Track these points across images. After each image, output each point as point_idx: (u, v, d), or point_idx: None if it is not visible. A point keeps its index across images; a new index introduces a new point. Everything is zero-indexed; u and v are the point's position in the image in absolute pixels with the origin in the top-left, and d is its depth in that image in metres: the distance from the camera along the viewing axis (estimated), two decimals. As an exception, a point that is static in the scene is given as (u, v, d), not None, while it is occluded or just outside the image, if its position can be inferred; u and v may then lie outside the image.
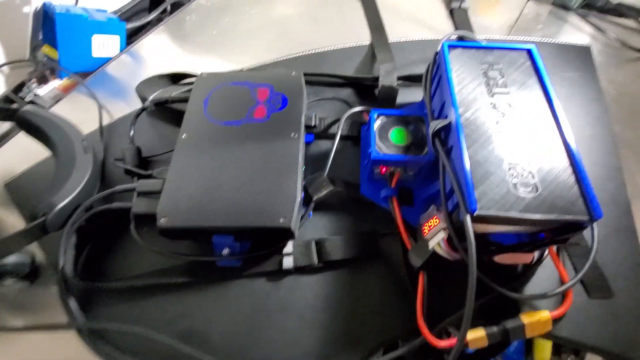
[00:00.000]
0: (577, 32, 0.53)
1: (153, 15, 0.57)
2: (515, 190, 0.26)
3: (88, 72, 0.50)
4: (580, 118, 0.42)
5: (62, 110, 0.46)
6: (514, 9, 0.56)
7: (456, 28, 0.52)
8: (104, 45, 0.50)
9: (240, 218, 0.29)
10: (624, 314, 0.29)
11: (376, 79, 0.43)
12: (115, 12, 0.57)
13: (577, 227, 0.25)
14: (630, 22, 0.54)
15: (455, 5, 0.54)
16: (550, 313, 0.27)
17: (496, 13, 0.56)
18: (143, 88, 0.43)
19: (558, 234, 0.26)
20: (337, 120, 0.40)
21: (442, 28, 0.53)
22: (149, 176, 0.34)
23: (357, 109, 0.39)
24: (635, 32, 0.52)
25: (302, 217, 0.34)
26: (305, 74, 0.41)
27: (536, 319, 0.26)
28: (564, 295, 0.28)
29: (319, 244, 0.33)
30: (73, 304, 0.31)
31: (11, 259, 0.32)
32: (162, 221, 0.29)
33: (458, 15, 0.54)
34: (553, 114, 0.30)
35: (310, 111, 0.41)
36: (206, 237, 0.30)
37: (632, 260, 0.32)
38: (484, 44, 0.36)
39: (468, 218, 0.25)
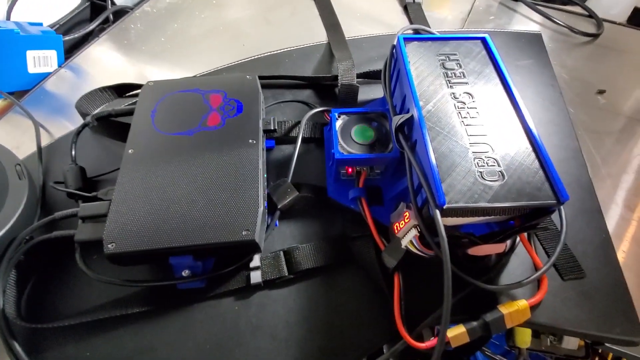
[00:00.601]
0: (527, 21, 0.54)
1: (94, 25, 0.53)
2: (482, 179, 0.25)
3: (26, 90, 0.45)
4: (537, 103, 0.42)
5: (-6, 133, 0.41)
6: (466, 1, 0.57)
7: (411, 22, 0.52)
8: (41, 60, 0.45)
9: (197, 235, 0.27)
10: (596, 293, 0.29)
11: (335, 78, 0.42)
12: (53, 25, 0.53)
13: (545, 211, 0.25)
14: (576, 9, 0.56)
15: (409, 0, 0.55)
16: (527, 301, 0.26)
17: (449, 6, 0.56)
18: (84, 103, 0.40)
19: (527, 219, 0.25)
20: (298, 123, 0.39)
21: (397, 23, 0.53)
22: (94, 198, 0.31)
23: (318, 109, 0.38)
24: (581, 18, 0.54)
25: (267, 227, 0.32)
26: (261, 77, 0.40)
27: (514, 308, 0.26)
28: (539, 282, 0.28)
29: (288, 253, 0.31)
30: (17, 348, 0.27)
31: None
32: (109, 247, 0.26)
33: (412, 10, 0.54)
34: (512, 101, 0.30)
35: (270, 115, 0.40)
36: (162, 259, 0.28)
37: (599, 239, 0.32)
38: (439, 35, 0.36)
39: (437, 213, 0.24)
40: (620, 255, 0.32)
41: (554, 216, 0.31)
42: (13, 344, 0.27)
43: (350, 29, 0.50)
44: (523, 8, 0.56)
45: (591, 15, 0.53)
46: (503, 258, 0.31)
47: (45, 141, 0.40)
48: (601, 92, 0.44)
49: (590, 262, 0.31)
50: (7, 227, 0.29)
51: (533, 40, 0.49)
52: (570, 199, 0.35)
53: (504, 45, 0.49)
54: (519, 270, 0.31)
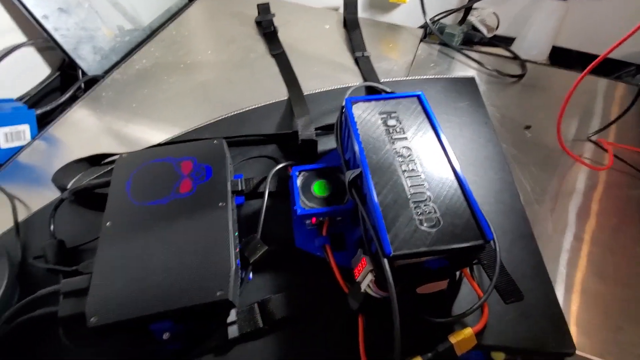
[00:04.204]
0: (463, 66, 0.62)
1: (66, 95, 0.56)
2: (421, 226, 0.29)
3: (-2, 164, 0.47)
4: (474, 141, 0.48)
5: (-31, 211, 0.42)
6: (409, 52, 0.64)
7: (362, 74, 0.58)
8: (13, 135, 0.48)
9: (175, 300, 0.29)
10: (532, 312, 0.34)
11: (296, 133, 0.46)
12: (23, 97, 0.55)
13: (475, 249, 0.29)
14: (504, 52, 0.64)
15: (358, 54, 0.61)
16: (472, 328, 0.30)
17: (395, 56, 0.63)
18: (60, 176, 0.42)
19: (461, 258, 0.30)
20: (264, 179, 0.42)
21: (350, 76, 0.59)
22: (74, 272, 0.33)
23: (280, 165, 0.42)
24: (508, 60, 0.62)
25: (241, 283, 0.34)
26: (228, 138, 0.43)
27: (461, 337, 0.29)
28: (482, 310, 0.32)
29: (262, 305, 0.34)
30: None
31: None
32: (92, 320, 0.28)
33: (363, 63, 0.60)
34: (444, 151, 0.35)
35: (239, 174, 0.43)
36: (143, 326, 0.30)
37: (533, 261, 0.37)
38: (381, 94, 0.41)
39: (385, 261, 0.28)
40: (552, 274, 0.37)
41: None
42: None
43: (308, 85, 0.56)
44: (459, 55, 0.63)
45: (516, 57, 0.61)
46: (453, 290, 0.35)
47: (22, 215, 0.42)
48: (527, 127, 0.51)
49: (527, 284, 0.35)
50: (-12, 310, 0.30)
51: (467, 84, 0.56)
52: (507, 226, 0.40)
53: (443, 90, 0.55)
54: (470, 298, 0.35)
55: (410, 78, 0.58)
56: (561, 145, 0.45)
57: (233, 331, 0.32)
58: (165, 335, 0.30)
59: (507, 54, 0.62)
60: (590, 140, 0.50)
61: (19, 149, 0.48)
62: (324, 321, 0.34)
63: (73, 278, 0.31)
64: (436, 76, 0.58)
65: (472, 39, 0.67)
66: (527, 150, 0.48)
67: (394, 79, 0.58)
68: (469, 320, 0.33)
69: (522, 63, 0.59)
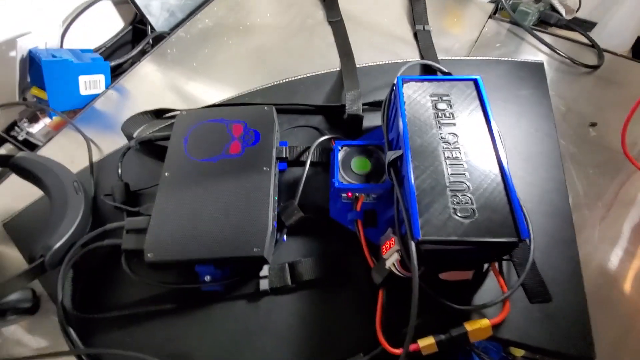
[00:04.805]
0: (533, 49, 0.57)
1: (136, 50, 0.60)
2: (455, 216, 0.30)
3: (77, 109, 0.53)
4: (530, 135, 0.46)
5: (54, 148, 0.49)
6: (475, 28, 0.60)
7: (420, 50, 0.56)
8: (91, 84, 0.53)
9: (218, 250, 0.33)
10: (558, 315, 0.33)
11: (344, 106, 0.47)
12: (99, 48, 0.60)
13: (507, 246, 0.29)
14: (581, 38, 0.58)
15: (418, 27, 0.58)
16: (490, 320, 0.31)
17: (459, 31, 0.59)
18: (128, 126, 0.47)
19: (492, 252, 0.30)
20: (307, 148, 0.44)
21: (407, 51, 0.57)
22: (137, 213, 0.38)
23: (325, 137, 0.43)
24: (584, 48, 0.56)
25: (276, 242, 0.37)
26: (278, 105, 0.45)
27: (477, 326, 0.30)
28: (504, 304, 0.32)
29: (292, 266, 0.37)
30: (72, 333, 0.34)
31: (13, 296, 0.35)
32: (149, 256, 0.33)
33: (422, 37, 0.57)
34: (492, 142, 0.34)
35: (284, 140, 0.45)
36: (190, 267, 0.34)
37: (569, 268, 0.36)
38: (436, 75, 0.40)
39: (413, 244, 0.29)
40: (589, 284, 0.35)
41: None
42: (68, 330, 0.34)
43: (363, 57, 0.55)
44: (529, 36, 0.58)
45: (593, 44, 0.55)
46: (479, 281, 0.35)
47: (95, 157, 0.47)
48: (593, 124, 0.47)
49: (558, 288, 0.35)
50: (67, 236, 0.35)
51: (534, 70, 0.52)
52: (548, 229, 0.39)
53: (506, 74, 0.52)
54: (494, 291, 0.35)
55: (471, 57, 0.55)
56: (624, 149, 0.41)
57: (264, 284, 0.36)
58: (207, 278, 0.34)
59: (585, 40, 0.56)
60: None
61: (95, 97, 0.54)
62: (347, 289, 0.36)
63: (135, 218, 0.36)
64: (500, 58, 0.54)
65: (547, 20, 0.60)
66: (587, 150, 0.45)
67: (453, 57, 0.55)
68: (489, 313, 0.34)
69: (600, 52, 0.53)
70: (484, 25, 0.60)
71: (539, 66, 0.53)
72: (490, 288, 0.35)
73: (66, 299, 0.35)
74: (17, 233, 0.41)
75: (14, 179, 0.46)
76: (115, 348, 0.33)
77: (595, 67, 0.52)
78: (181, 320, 0.35)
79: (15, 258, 0.40)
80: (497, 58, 0.55)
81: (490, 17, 0.60)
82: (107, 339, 0.35)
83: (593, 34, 0.58)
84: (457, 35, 0.59)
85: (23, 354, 0.35)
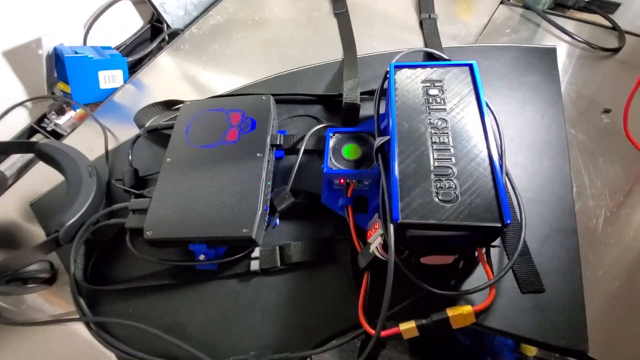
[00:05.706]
0: (547, 34, 0.54)
1: (152, 45, 0.64)
2: (437, 199, 0.30)
3: (98, 102, 0.57)
4: (536, 122, 0.44)
5: (76, 137, 0.54)
6: (485, 14, 0.58)
7: (425, 39, 0.55)
8: (110, 78, 0.57)
9: (210, 230, 0.35)
10: (551, 307, 0.32)
11: (341, 95, 0.47)
12: (120, 46, 0.64)
13: (489, 231, 0.28)
14: (601, 20, 0.54)
15: (424, 16, 0.57)
16: (473, 307, 0.30)
17: (467, 18, 0.58)
18: (140, 117, 0.50)
19: (476, 237, 0.29)
20: (304, 137, 0.45)
21: (412, 39, 0.56)
22: (141, 195, 0.40)
23: (319, 126, 0.44)
24: (604, 31, 0.52)
25: (268, 226, 0.39)
26: (277, 95, 0.46)
27: (459, 312, 0.30)
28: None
29: (282, 249, 0.38)
30: (82, 303, 0.38)
31: (33, 267, 0.39)
32: (148, 234, 0.35)
33: (427, 26, 0.56)
34: (483, 127, 0.33)
35: (283, 129, 0.46)
36: (185, 245, 0.36)
37: (567, 258, 0.35)
38: (428, 62, 0.40)
39: (391, 226, 0.29)
40: (587, 276, 0.34)
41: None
42: (79, 300, 0.38)
43: (367, 47, 0.55)
44: (544, 21, 0.55)
45: (615, 27, 0.51)
46: (468, 268, 0.35)
47: (111, 145, 0.51)
48: (607, 111, 0.44)
49: (553, 278, 0.34)
50: (79, 214, 0.39)
51: (544, 56, 0.50)
52: (548, 218, 0.37)
53: (512, 61, 0.50)
54: (484, 280, 0.34)
55: (476, 45, 0.53)
56: (628, 136, 0.38)
57: (255, 265, 0.37)
58: (201, 257, 0.36)
59: (604, 22, 0.53)
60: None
61: (114, 90, 0.58)
62: (334, 272, 0.37)
63: (139, 199, 0.39)
64: (508, 44, 0.52)
65: (564, 3, 0.57)
66: (598, 138, 0.42)
67: (458, 45, 0.54)
68: (477, 300, 0.33)
69: (621, 35, 0.50)
70: (495, 11, 0.58)
71: (550, 51, 0.50)
72: (482, 277, 0.34)
73: (78, 271, 0.38)
74: (41, 212, 0.46)
75: (41, 166, 0.51)
76: (119, 318, 0.36)
77: (615, 51, 0.49)
78: (177, 295, 0.37)
79: (40, 235, 0.45)
80: (504, 44, 0.53)
81: (502, 2, 0.58)
82: (113, 309, 0.38)
83: (615, 16, 0.54)
84: (466, 21, 0.57)
85: (41, 319, 0.39)
